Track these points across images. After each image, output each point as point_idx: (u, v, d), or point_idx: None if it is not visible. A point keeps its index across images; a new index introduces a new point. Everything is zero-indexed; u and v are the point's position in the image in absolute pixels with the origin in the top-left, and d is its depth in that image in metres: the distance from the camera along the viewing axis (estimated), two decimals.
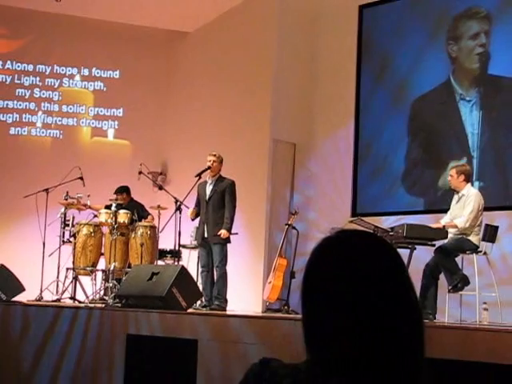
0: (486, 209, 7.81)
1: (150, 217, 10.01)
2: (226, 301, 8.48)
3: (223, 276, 8.51)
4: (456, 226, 7.58)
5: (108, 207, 9.69)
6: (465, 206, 7.64)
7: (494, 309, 7.57)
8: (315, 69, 11.30)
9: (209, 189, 8.73)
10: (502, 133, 9.34)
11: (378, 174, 10.57)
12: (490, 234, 7.81)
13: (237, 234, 8.85)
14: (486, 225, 7.85)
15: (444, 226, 7.68)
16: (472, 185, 8.05)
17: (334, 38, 11.14)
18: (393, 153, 10.43)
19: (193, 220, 8.91)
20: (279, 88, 10.97)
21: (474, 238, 7.57)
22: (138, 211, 9.83)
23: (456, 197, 7.83)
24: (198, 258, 9.15)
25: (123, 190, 10.21)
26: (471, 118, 9.60)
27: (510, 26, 9.36)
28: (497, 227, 7.93)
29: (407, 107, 10.37)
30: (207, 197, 8.69)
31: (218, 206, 8.64)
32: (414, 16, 10.51)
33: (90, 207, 9.91)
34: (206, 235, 8.63)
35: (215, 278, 8.60)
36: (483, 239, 7.68)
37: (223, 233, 8.47)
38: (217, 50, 11.92)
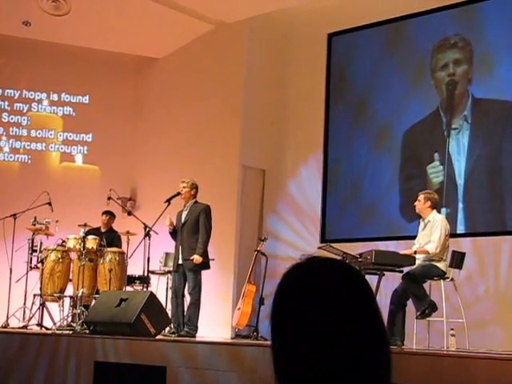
0: (456, 235, 7.88)
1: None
2: (196, 328, 8.41)
3: (196, 303, 8.44)
4: (427, 252, 7.62)
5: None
6: (432, 232, 7.71)
7: (461, 334, 7.61)
8: (284, 96, 11.38)
9: (184, 214, 8.72)
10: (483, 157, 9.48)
11: (348, 200, 10.64)
12: (457, 260, 7.87)
13: (213, 259, 8.80)
14: (454, 251, 7.91)
15: (416, 252, 7.72)
16: (439, 212, 8.13)
17: (303, 65, 11.24)
18: (363, 180, 10.52)
19: (170, 231, 8.81)
20: (249, 114, 11.02)
21: (441, 265, 7.62)
22: (113, 239, 9.79)
23: (422, 224, 7.91)
24: (168, 283, 9.10)
25: (109, 213, 10.31)
26: (457, 146, 9.71)
27: (490, 50, 9.54)
28: (464, 253, 8.00)
29: (382, 136, 10.46)
30: (182, 222, 8.68)
31: (192, 231, 8.60)
32: (386, 45, 10.63)
33: None
34: (180, 261, 8.61)
35: (187, 304, 8.56)
36: (450, 265, 7.73)
37: (195, 258, 8.42)
38: (186, 77, 11.95)
